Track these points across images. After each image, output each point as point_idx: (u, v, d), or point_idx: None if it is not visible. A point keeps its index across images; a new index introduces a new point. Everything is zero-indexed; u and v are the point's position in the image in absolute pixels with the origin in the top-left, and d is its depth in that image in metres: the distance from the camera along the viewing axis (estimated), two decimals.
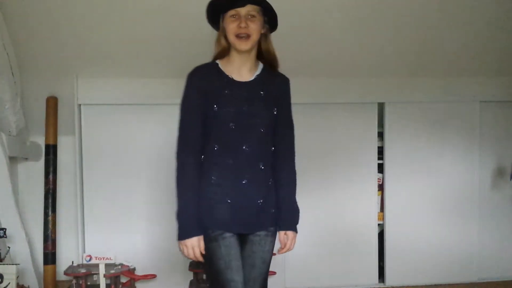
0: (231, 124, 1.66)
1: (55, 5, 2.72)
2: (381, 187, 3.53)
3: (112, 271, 2.92)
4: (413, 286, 3.47)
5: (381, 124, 3.52)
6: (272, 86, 1.76)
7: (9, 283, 2.61)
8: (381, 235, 3.53)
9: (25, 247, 3.03)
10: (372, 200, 3.49)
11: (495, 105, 3.58)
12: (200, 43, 2.97)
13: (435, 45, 3.19)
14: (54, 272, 3.21)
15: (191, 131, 1.67)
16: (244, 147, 1.67)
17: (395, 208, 3.50)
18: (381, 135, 3.52)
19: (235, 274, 1.64)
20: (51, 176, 3.26)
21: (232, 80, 1.71)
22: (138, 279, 3.05)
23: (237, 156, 1.67)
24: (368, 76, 3.39)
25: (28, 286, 2.91)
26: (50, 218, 3.22)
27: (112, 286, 2.92)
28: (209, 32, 2.94)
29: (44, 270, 3.19)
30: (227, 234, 1.67)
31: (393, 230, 3.50)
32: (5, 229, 2.76)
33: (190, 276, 3.10)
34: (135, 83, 3.25)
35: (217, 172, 1.68)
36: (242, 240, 1.74)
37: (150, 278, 3.11)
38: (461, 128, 3.54)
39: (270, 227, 1.77)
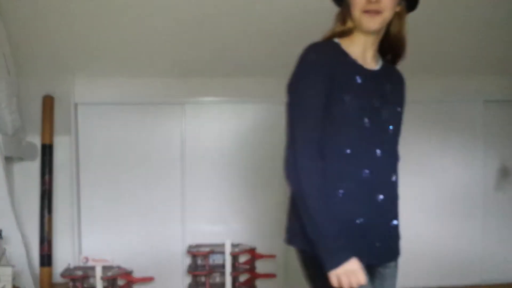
0: (365, 120, 1.30)
1: (51, 4, 2.70)
2: None
3: (109, 274, 2.91)
4: None
5: None
6: (395, 81, 1.45)
7: (4, 286, 2.60)
8: None
9: (21, 248, 3.00)
10: None
11: (499, 104, 3.55)
12: (199, 42, 3.01)
13: (438, 43, 3.16)
14: (50, 274, 3.19)
15: (316, 127, 1.27)
16: (378, 152, 1.32)
17: None
18: None
19: None
20: (47, 177, 3.24)
21: (361, 66, 1.34)
22: (136, 282, 3.04)
23: (372, 164, 1.31)
24: None
25: None
26: (46, 219, 3.20)
27: None
28: (209, 30, 2.94)
29: (40, 272, 3.17)
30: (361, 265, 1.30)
31: None
32: (1, 230, 2.74)
33: (188, 279, 3.08)
34: (133, 82, 3.24)
35: (347, 184, 1.29)
36: (368, 273, 1.33)
37: (148, 281, 3.09)
38: (464, 127, 3.52)
39: (399, 255, 1.44)
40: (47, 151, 3.25)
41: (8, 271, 2.61)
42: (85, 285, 2.91)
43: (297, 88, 1.30)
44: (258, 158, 3.38)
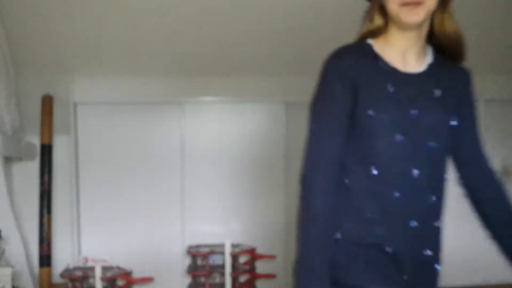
0: (397, 137, 1.13)
1: (50, 3, 2.70)
2: None
3: (109, 274, 2.90)
4: None
5: None
6: (451, 83, 1.22)
7: (3, 286, 2.59)
8: None
9: (21, 249, 3.01)
10: None
11: (500, 103, 3.54)
12: (199, 41, 2.99)
13: None
14: (50, 275, 3.17)
15: (330, 144, 1.15)
16: (413, 171, 1.15)
17: None
18: None
19: None
20: (46, 177, 3.22)
21: (395, 70, 1.16)
22: (135, 282, 3.02)
23: (405, 185, 1.15)
24: None
25: None
26: (45, 219, 3.18)
27: None
28: (209, 30, 2.93)
29: (39, 273, 3.15)
30: None
31: None
32: (0, 230, 2.74)
33: (188, 279, 3.07)
34: (132, 82, 3.23)
35: (374, 206, 1.15)
36: None
37: (147, 281, 3.07)
38: None
39: None
40: (46, 151, 3.22)
41: (8, 271, 2.61)
42: (84, 286, 2.90)
43: (316, 98, 1.17)
44: (258, 158, 3.37)
